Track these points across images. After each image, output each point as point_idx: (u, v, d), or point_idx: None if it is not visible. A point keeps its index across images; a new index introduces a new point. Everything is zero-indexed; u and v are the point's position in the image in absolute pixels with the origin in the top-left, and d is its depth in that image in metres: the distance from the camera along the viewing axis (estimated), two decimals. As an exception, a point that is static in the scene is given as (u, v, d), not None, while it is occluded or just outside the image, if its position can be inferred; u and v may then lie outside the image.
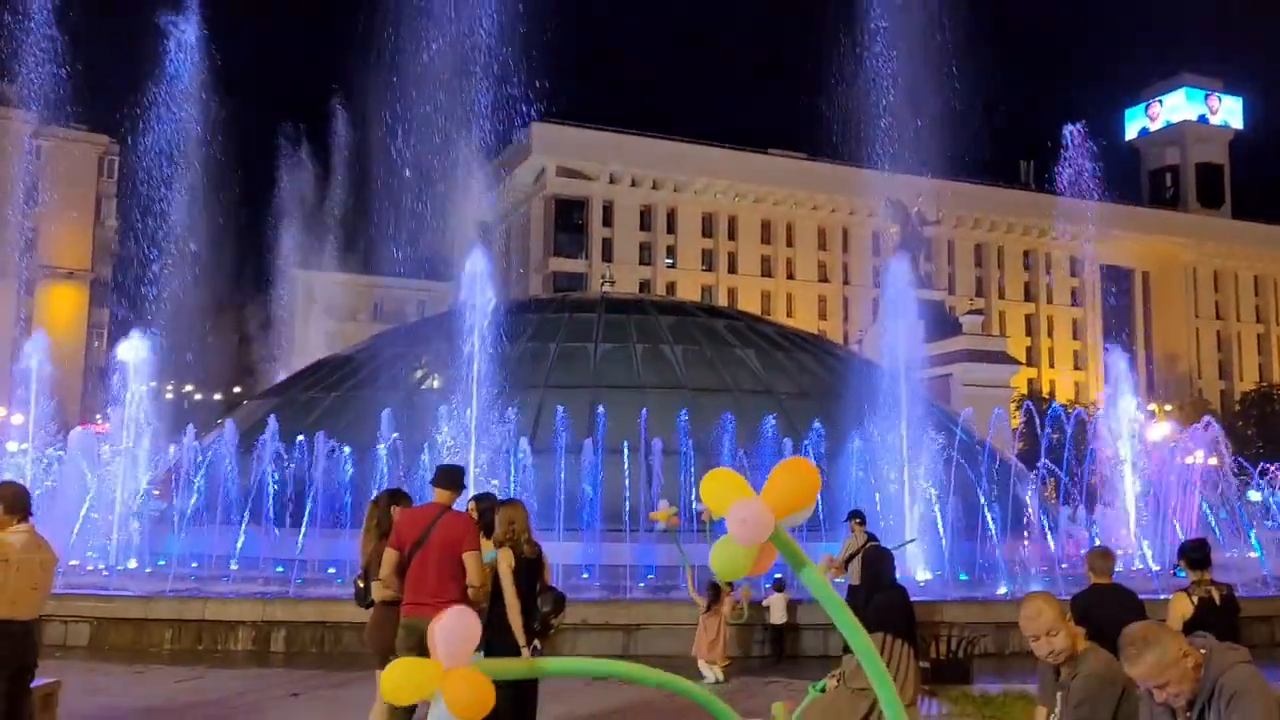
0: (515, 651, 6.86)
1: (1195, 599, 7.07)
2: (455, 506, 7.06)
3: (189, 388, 68.64)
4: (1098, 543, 12.80)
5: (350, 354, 28.26)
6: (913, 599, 13.70)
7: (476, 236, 19.50)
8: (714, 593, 11.38)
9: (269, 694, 9.76)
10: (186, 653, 12.40)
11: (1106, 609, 7.18)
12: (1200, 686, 3.67)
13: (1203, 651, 3.69)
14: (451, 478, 7.06)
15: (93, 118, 64.21)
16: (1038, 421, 25.74)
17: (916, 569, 17.75)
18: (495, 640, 7.03)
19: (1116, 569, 7.80)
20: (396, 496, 7.61)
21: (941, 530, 18.49)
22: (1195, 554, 7.47)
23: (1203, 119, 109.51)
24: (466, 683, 2.73)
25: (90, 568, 17.46)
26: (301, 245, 57.28)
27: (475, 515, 7.68)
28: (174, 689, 9.95)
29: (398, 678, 2.78)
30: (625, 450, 20.04)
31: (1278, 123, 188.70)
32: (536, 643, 6.99)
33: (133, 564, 18.14)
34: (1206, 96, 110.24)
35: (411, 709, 6.66)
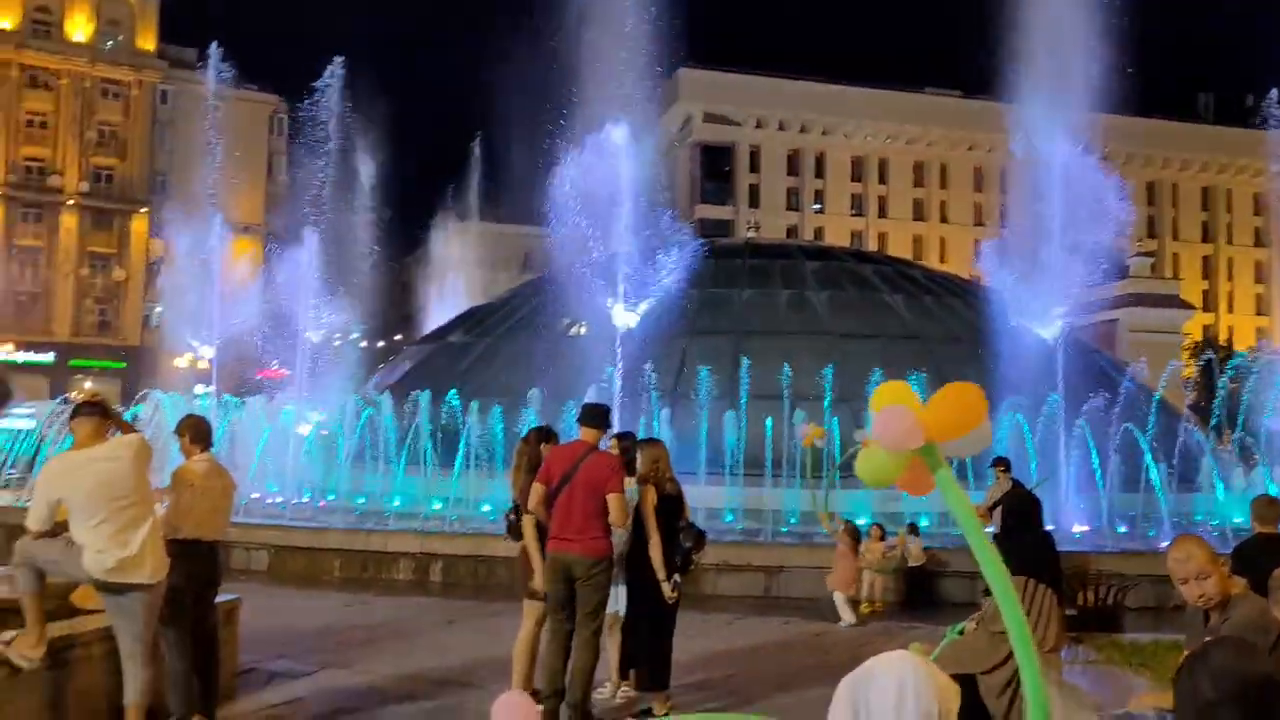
0: (656, 585, 7.09)
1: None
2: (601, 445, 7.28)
3: (354, 335, 71.95)
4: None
5: (501, 301, 29.14)
6: (1068, 549, 13.46)
7: (624, 186, 19.66)
8: (853, 534, 11.43)
9: (427, 619, 10.37)
10: (354, 580, 13.29)
11: (1270, 558, 6.90)
12: None
13: None
14: (596, 416, 7.24)
15: (262, 77, 67.39)
16: (1216, 370, 24.39)
17: (1068, 522, 17.28)
18: (636, 574, 7.28)
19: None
20: (545, 434, 7.87)
21: (1101, 481, 17.87)
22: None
23: None
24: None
25: (269, 500, 18.76)
26: (457, 196, 58.98)
27: (620, 452, 7.89)
28: (342, 612, 10.70)
29: (871, 466, 2.66)
30: (768, 397, 20.06)
31: None
32: (677, 577, 7.20)
33: (305, 498, 19.38)
34: None
35: (568, 640, 6.95)
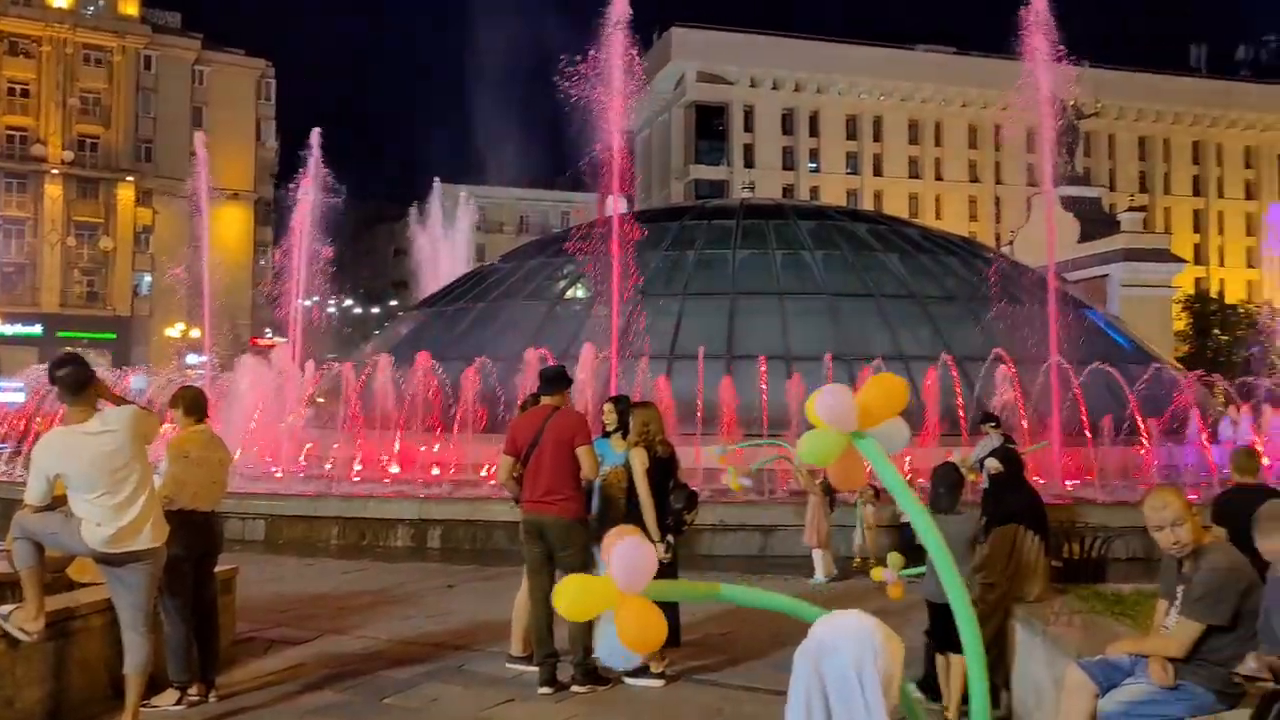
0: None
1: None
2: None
3: (349, 301, 71.81)
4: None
5: (496, 265, 29.09)
6: (1058, 503, 13.58)
7: (618, 146, 19.56)
8: (827, 489, 11.62)
9: (426, 584, 10.47)
10: (352, 548, 13.38)
11: (1249, 509, 7.00)
12: None
13: None
14: (555, 380, 7.29)
15: (248, 41, 66.67)
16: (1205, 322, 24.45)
17: (1060, 476, 17.43)
18: (630, 536, 7.38)
19: None
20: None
21: (1089, 435, 17.99)
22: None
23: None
24: (638, 614, 2.68)
25: (264, 471, 18.84)
26: (450, 159, 58.55)
27: (614, 416, 7.95)
28: (340, 579, 10.80)
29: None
30: (765, 356, 20.10)
31: None
32: (670, 538, 7.27)
33: (301, 464, 19.45)
34: None
35: (549, 602, 7.10)
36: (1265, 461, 12.51)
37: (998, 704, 6.41)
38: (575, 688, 6.86)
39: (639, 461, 7.27)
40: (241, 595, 8.01)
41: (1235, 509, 7.39)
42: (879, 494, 12.36)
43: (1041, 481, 17.05)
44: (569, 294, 24.56)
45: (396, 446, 18.64)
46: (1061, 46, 19.46)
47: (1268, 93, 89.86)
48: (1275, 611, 3.97)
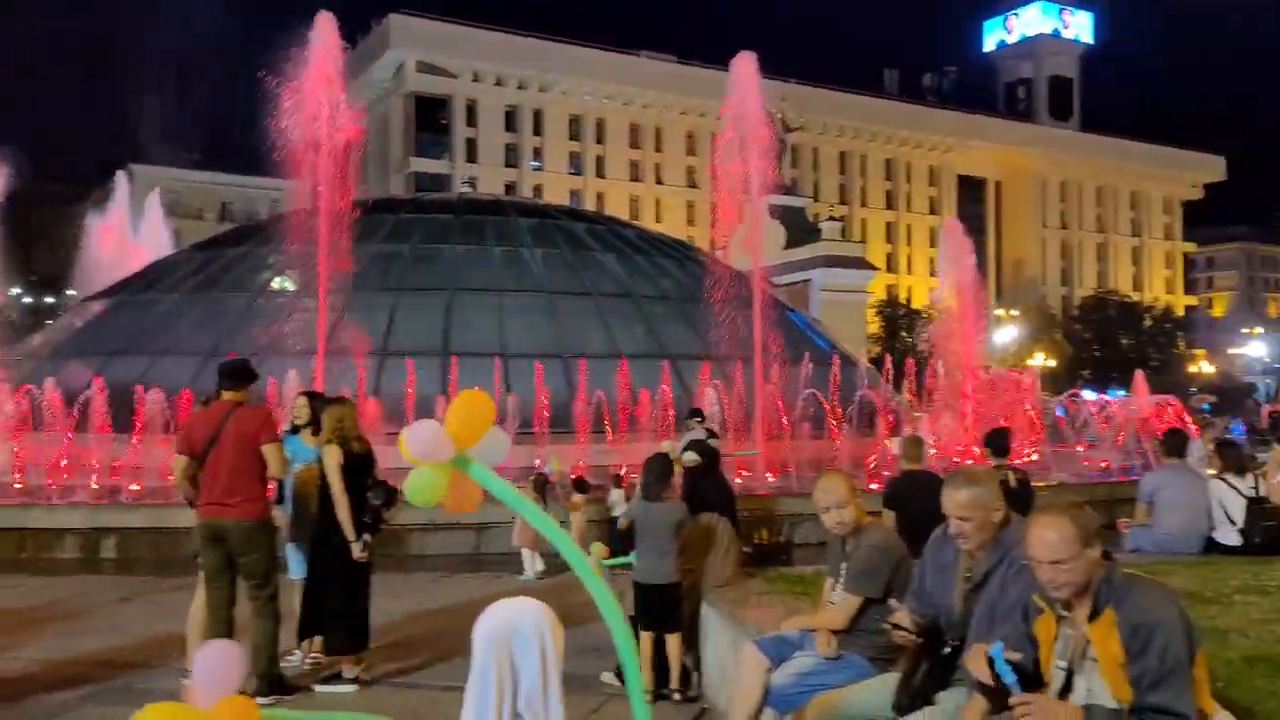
0: (345, 548, 6.88)
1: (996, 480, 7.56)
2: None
3: (16, 290, 64.74)
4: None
5: (192, 254, 27.07)
6: (755, 493, 14.30)
7: (331, 132, 18.69)
8: (539, 485, 11.65)
9: (97, 598, 9.54)
10: (8, 561, 11.97)
11: (915, 491, 7.64)
12: (994, 546, 3.94)
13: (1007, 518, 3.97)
14: (236, 374, 6.91)
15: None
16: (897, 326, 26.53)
17: (763, 469, 18.38)
18: (325, 536, 7.03)
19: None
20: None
21: (787, 429, 19.10)
22: (997, 442, 8.01)
23: (1056, 33, 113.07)
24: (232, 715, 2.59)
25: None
26: (143, 139, 54.20)
27: (306, 411, 7.61)
28: (-7, 597, 9.63)
29: (415, 485, 2.83)
30: (481, 354, 19.93)
31: (1124, 38, 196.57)
32: (366, 536, 7.00)
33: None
34: (1060, 11, 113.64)
35: (232, 603, 6.65)
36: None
37: (689, 684, 6.62)
38: (258, 700, 6.44)
39: (332, 458, 6.97)
40: None
41: (904, 493, 8.06)
42: (586, 487, 12.52)
43: (747, 474, 17.98)
44: (274, 286, 23.25)
45: (66, 448, 16.85)
46: (770, 64, 20.54)
47: (948, 118, 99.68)
48: (929, 567, 4.25)
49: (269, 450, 6.62)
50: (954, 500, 3.96)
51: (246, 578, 6.64)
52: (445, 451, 2.82)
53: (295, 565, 7.47)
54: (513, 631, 2.77)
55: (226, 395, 6.85)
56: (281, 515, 7.31)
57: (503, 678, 2.74)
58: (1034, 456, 20.85)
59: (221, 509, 6.56)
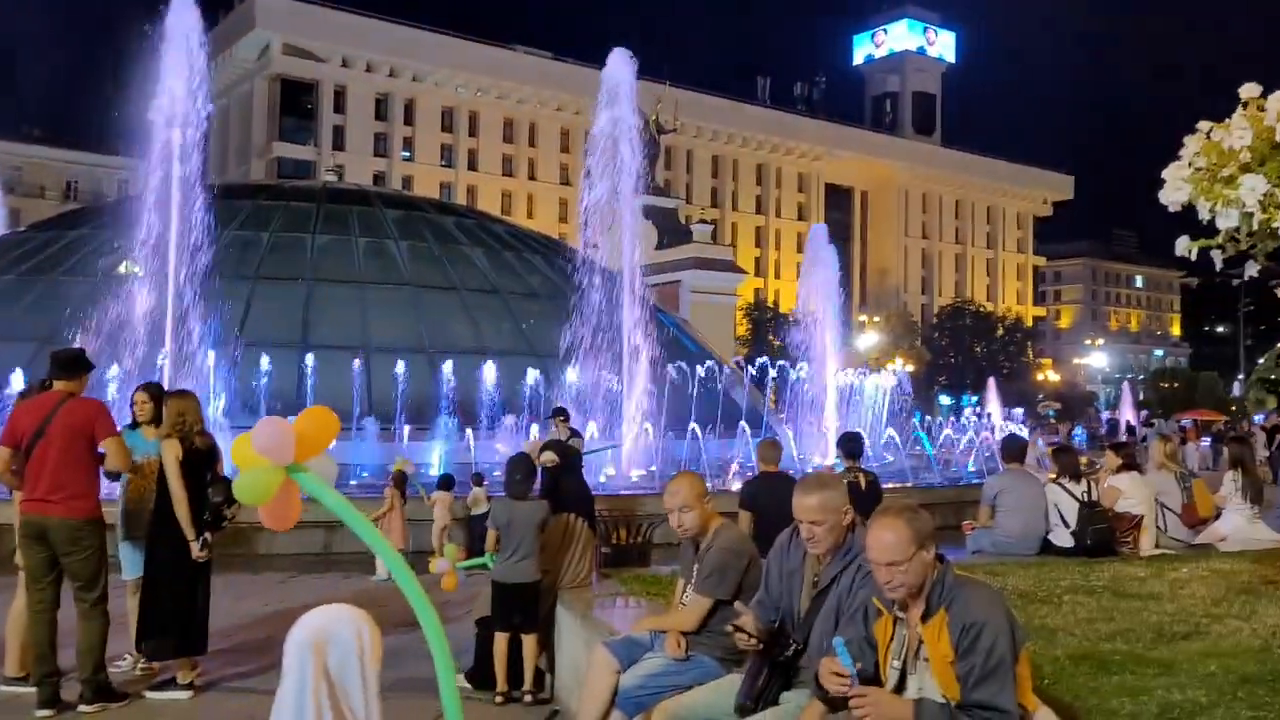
0: (183, 545, 6.58)
1: (845, 483, 7.73)
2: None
3: None
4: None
5: (30, 234, 25.52)
6: (617, 493, 14.31)
7: (187, 110, 17.86)
8: (399, 483, 11.44)
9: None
10: None
11: (771, 493, 7.76)
12: (842, 550, 3.99)
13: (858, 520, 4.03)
14: (70, 364, 6.54)
15: None
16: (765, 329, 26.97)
17: (627, 469, 18.45)
18: (162, 533, 6.71)
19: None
20: (49, 387, 7.00)
21: (649, 430, 19.21)
22: (849, 445, 8.20)
23: (921, 50, 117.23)
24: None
25: None
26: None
27: (147, 405, 7.27)
28: None
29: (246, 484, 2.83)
30: (341, 347, 19.42)
31: (983, 58, 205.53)
32: (206, 535, 6.71)
33: None
34: (925, 29, 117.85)
35: (55, 605, 6.26)
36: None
37: (542, 685, 6.55)
38: (83, 707, 6.14)
39: (172, 453, 6.66)
40: None
41: (760, 494, 8.17)
42: (450, 483, 12.33)
43: (612, 474, 18.00)
44: (119, 270, 22.06)
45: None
46: (646, 66, 20.61)
47: (818, 127, 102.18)
48: (774, 571, 4.29)
49: (110, 444, 6.30)
50: (804, 504, 4.02)
51: (72, 579, 6.28)
52: (286, 455, 2.77)
53: (130, 565, 7.11)
54: (330, 637, 2.73)
55: (58, 385, 6.46)
56: (113, 511, 6.95)
57: (319, 684, 2.70)
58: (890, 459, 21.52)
59: (45, 505, 6.17)
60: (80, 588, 6.26)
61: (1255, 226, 4.34)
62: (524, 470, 6.98)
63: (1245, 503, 9.48)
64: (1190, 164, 4.64)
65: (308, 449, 2.82)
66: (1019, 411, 24.84)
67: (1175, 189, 4.59)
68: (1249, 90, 4.56)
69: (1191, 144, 4.70)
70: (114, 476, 6.98)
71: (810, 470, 15.08)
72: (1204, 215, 4.56)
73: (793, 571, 4.19)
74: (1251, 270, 4.56)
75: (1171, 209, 4.68)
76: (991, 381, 32.20)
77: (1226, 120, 4.65)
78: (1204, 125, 4.68)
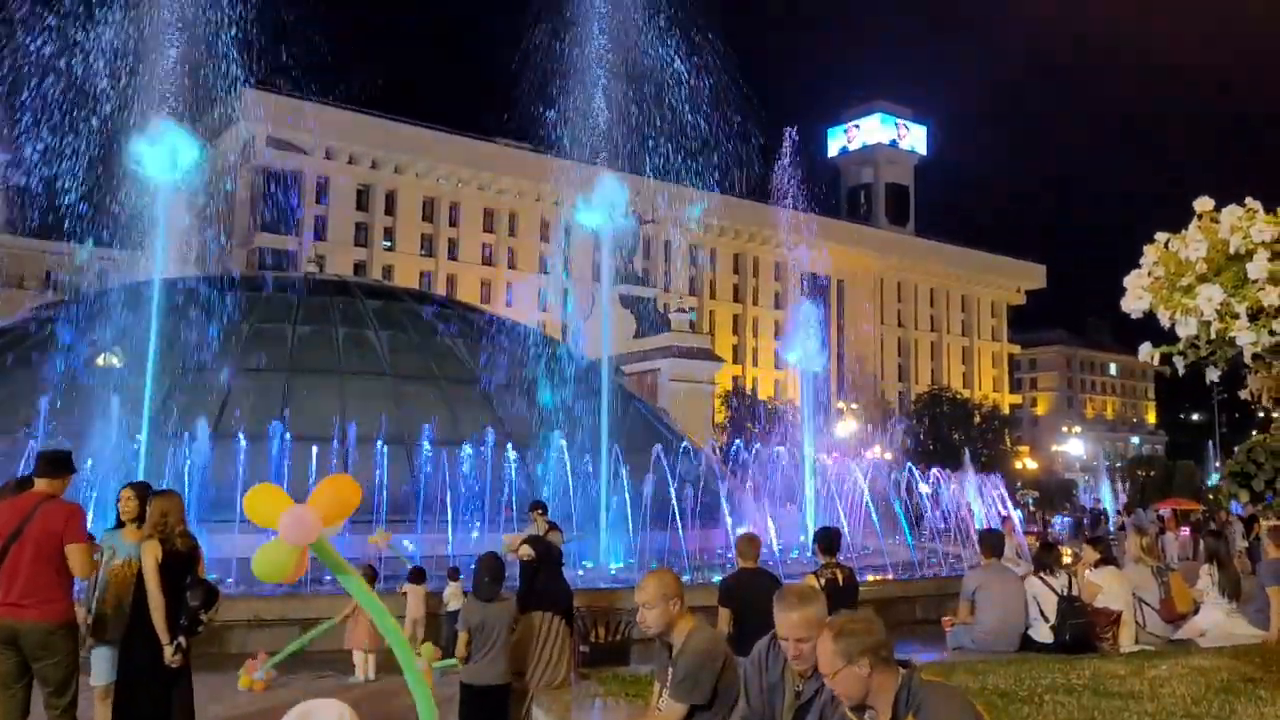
0: (157, 648, 6.49)
1: (823, 580, 7.76)
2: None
3: None
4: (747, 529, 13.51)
5: (8, 325, 25.49)
6: (595, 585, 14.19)
7: (171, 203, 18.09)
8: (370, 578, 11.27)
9: None
10: None
11: (750, 589, 7.75)
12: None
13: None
14: (56, 464, 6.51)
15: None
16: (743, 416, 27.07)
17: (605, 560, 18.33)
18: (138, 636, 6.63)
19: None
20: (26, 484, 6.97)
21: (630, 521, 19.12)
22: (824, 540, 8.22)
23: (893, 143, 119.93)
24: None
25: None
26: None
27: (132, 504, 7.24)
28: None
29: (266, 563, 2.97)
30: (320, 438, 19.32)
31: (952, 152, 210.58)
32: (181, 640, 6.63)
33: None
34: (897, 123, 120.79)
35: (25, 711, 6.14)
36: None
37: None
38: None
39: (151, 556, 6.61)
40: None
41: (738, 589, 8.16)
42: (423, 577, 12.20)
43: (591, 566, 17.85)
44: (100, 361, 22.03)
45: None
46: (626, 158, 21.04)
47: (794, 218, 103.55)
48: (754, 684, 4.30)
49: (72, 551, 6.21)
50: (789, 621, 4.02)
51: (43, 684, 6.16)
52: (310, 539, 2.90)
53: (103, 669, 7.00)
54: (311, 712, 2.84)
55: (40, 484, 6.43)
56: (83, 614, 6.86)
57: None
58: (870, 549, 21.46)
59: (18, 610, 6.08)
60: (51, 693, 6.15)
61: (1213, 335, 4.48)
62: (492, 571, 6.93)
63: (1223, 598, 9.53)
64: (1149, 273, 4.81)
65: (331, 520, 2.87)
66: (997, 494, 24.88)
67: (1136, 297, 4.75)
68: (1203, 204, 4.76)
69: (1150, 253, 4.87)
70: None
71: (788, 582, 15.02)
72: (1165, 323, 4.71)
73: (774, 685, 4.19)
74: (1212, 375, 4.69)
75: (1134, 316, 4.83)
76: (967, 460, 32.25)
77: (1183, 231, 4.83)
78: (1161, 236, 4.87)
